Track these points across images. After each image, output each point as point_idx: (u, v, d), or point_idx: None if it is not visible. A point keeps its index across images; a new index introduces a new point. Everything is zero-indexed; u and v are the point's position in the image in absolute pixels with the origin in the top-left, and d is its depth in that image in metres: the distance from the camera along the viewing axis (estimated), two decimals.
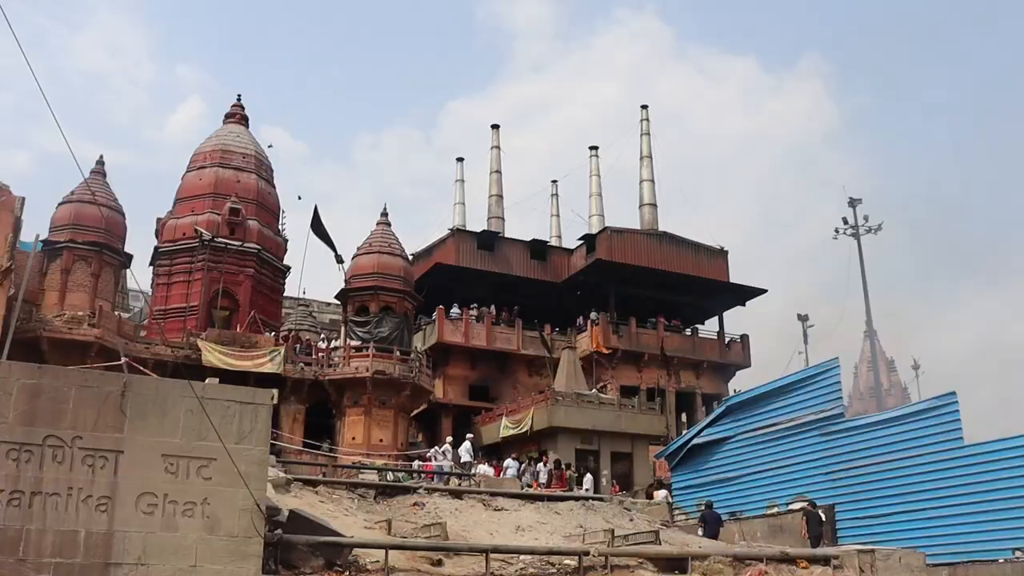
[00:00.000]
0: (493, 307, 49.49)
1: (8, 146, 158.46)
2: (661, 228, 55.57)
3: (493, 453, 39.87)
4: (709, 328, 54.73)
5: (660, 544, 16.65)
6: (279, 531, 11.88)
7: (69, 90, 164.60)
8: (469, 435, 34.57)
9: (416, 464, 33.14)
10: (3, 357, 21.78)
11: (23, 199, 33.02)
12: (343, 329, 43.60)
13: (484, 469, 30.11)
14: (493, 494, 20.47)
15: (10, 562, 10.04)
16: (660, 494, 25.08)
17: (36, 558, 10.17)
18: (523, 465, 30.94)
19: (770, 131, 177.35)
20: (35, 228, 39.06)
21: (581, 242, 53.96)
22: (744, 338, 53.84)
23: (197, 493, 10.99)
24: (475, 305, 49.10)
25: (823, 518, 21.60)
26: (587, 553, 14.49)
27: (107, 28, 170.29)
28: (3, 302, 31.39)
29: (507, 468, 29.77)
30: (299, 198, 41.64)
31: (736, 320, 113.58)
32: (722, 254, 54.87)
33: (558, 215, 66.71)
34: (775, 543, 20.25)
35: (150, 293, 45.95)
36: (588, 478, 30.37)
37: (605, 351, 48.51)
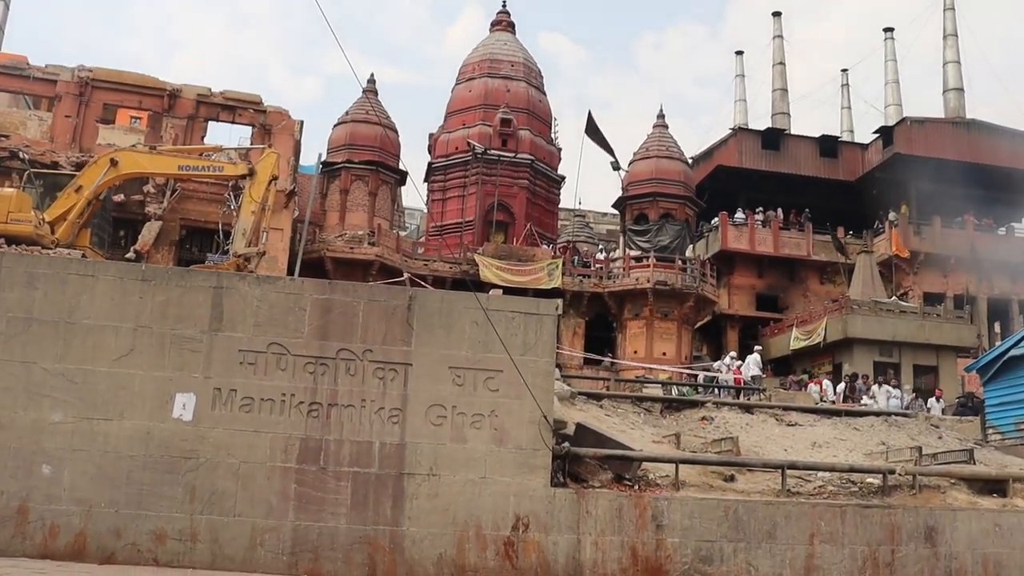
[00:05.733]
0: (780, 210, 48.07)
1: (297, 72, 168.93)
2: (968, 116, 51.71)
3: (783, 366, 39.18)
4: None
5: (975, 464, 15.80)
6: (566, 444, 12.15)
7: (350, 11, 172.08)
8: (757, 347, 34.02)
9: (701, 377, 33.05)
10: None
11: (301, 123, 35.33)
12: (621, 239, 43.90)
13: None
14: (786, 408, 20.06)
15: (313, 470, 10.94)
16: None
17: (336, 467, 11.02)
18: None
19: None
20: (319, 152, 41.64)
21: (876, 135, 51.15)
22: None
23: (484, 405, 11.46)
24: (760, 209, 47.88)
25: None
26: (893, 471, 13.94)
27: None
28: (289, 224, 33.83)
29: (826, 389, 28.92)
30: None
31: None
32: None
33: (849, 107, 63.73)
34: None
35: (425, 210, 47.88)
36: (875, 388, 29.07)
37: (905, 255, 46.07)
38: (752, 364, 30.67)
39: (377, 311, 11.54)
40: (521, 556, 11.19)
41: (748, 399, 24.80)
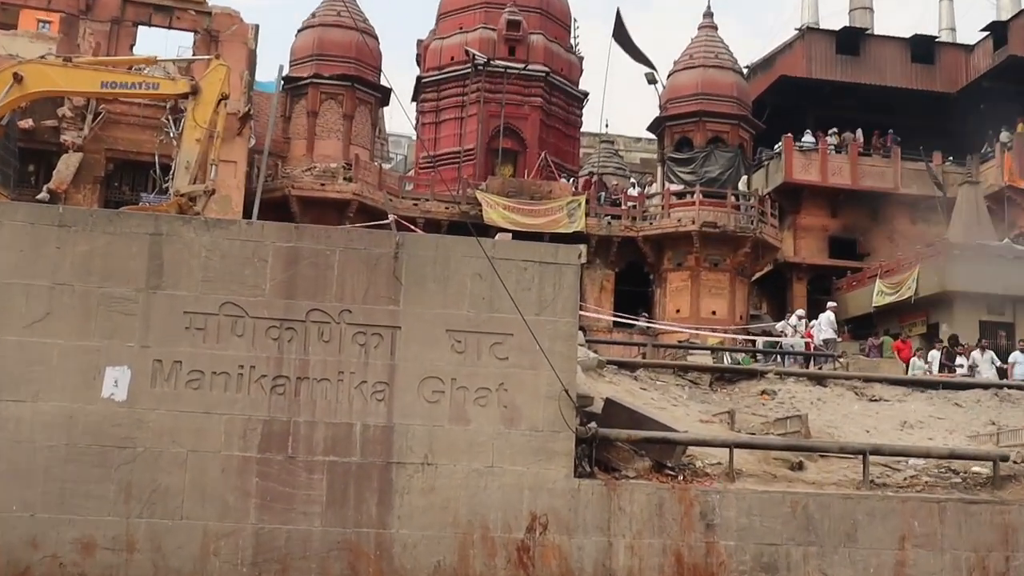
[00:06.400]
0: (860, 132, 47.78)
1: None
2: None
3: (863, 327, 39.14)
4: None
5: None
6: (593, 424, 12.17)
7: None
8: (831, 303, 33.93)
9: (760, 341, 33.08)
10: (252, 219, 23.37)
11: (257, 28, 35.12)
12: (659, 170, 43.77)
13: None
14: (868, 379, 20.10)
15: (279, 460, 11.01)
16: None
17: (307, 456, 11.09)
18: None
19: None
20: (280, 65, 41.45)
21: (986, 34, 50.61)
22: None
23: (491, 377, 11.53)
24: (835, 130, 47.61)
25: None
26: (1006, 458, 13.92)
27: None
28: (244, 156, 33.73)
29: (931, 362, 28.70)
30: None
31: None
32: None
33: None
34: None
35: (414, 137, 47.81)
36: (976, 355, 28.87)
37: (1022, 185, 45.76)
38: (824, 324, 30.64)
39: (356, 262, 11.57)
40: (538, 564, 11.29)
41: (820, 368, 24.83)
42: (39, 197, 28.61)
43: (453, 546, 11.15)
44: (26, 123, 29.53)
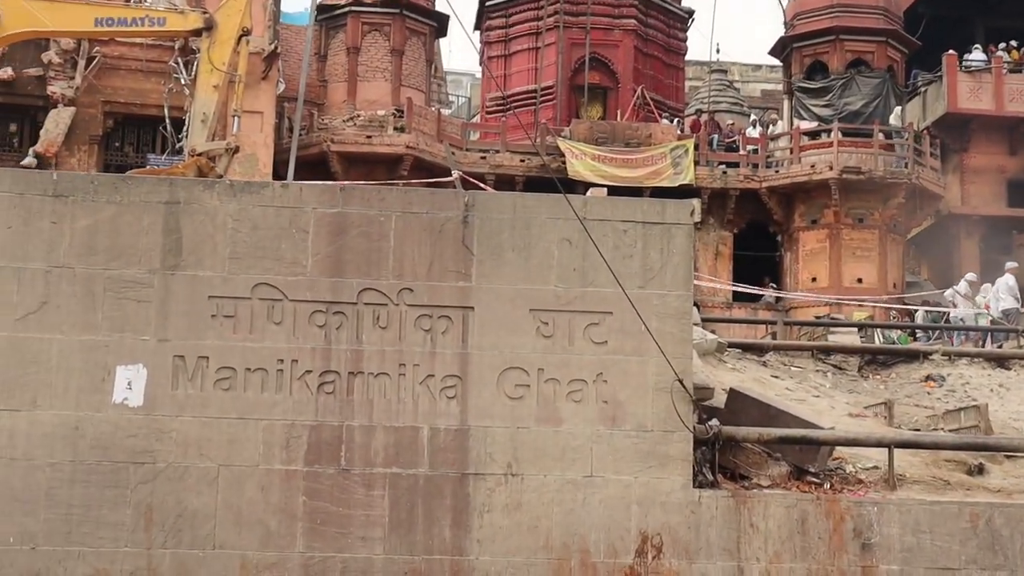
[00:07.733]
0: None
1: None
2: None
3: None
4: None
5: None
6: (714, 421, 12.09)
7: None
8: (1011, 264, 33.56)
9: (921, 315, 32.80)
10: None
11: None
12: (786, 104, 43.47)
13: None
14: None
15: (330, 473, 11.06)
16: None
17: (364, 468, 11.13)
18: None
19: None
20: None
21: None
22: None
23: (587, 366, 11.47)
24: (1012, 44, 46.72)
25: None
26: None
27: None
28: (272, 105, 33.88)
29: None
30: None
31: None
32: None
33: None
34: None
35: (479, 74, 47.80)
36: None
37: None
38: (1003, 291, 30.32)
39: (416, 229, 11.55)
40: None
41: (999, 346, 24.62)
42: (24, 163, 28.81)
43: (546, 575, 11.18)
44: (4, 73, 29.85)
